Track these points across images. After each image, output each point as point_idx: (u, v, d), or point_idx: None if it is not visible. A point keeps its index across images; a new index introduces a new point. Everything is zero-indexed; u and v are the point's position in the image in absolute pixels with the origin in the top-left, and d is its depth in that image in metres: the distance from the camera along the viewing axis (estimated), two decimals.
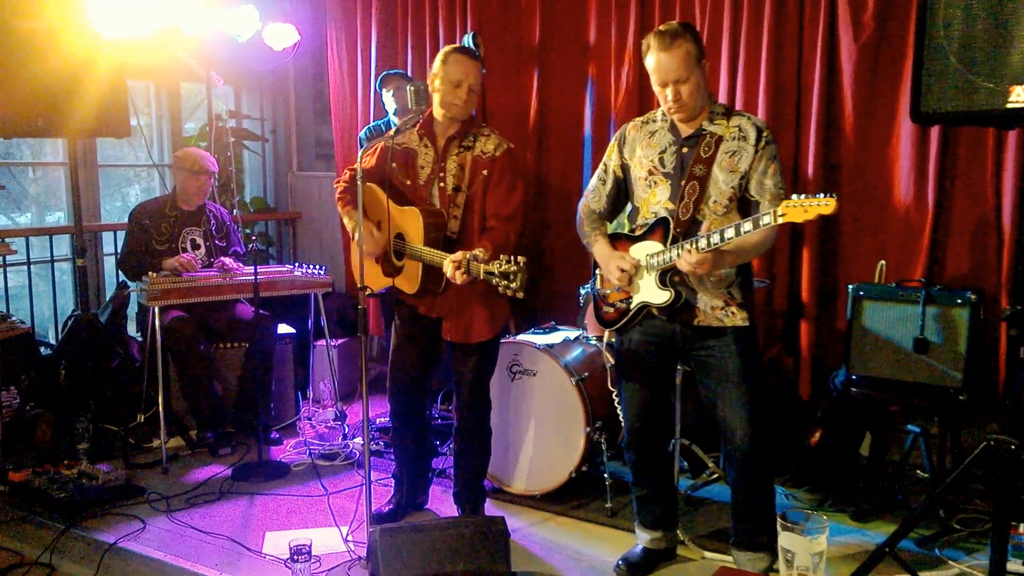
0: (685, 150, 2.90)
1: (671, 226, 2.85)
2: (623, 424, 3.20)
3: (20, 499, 3.74)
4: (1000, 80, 2.45)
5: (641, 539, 3.22)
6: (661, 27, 2.84)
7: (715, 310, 2.90)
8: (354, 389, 5.36)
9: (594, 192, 3.16)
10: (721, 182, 2.85)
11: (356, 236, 3.25)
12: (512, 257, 2.79)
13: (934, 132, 3.74)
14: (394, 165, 3.32)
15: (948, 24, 2.55)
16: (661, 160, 2.94)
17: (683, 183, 2.88)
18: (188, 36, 4.78)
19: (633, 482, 3.22)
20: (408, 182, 3.32)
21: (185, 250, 4.54)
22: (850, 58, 3.91)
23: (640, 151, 2.99)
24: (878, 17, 3.83)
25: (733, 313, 2.90)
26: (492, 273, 2.83)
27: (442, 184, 3.26)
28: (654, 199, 2.96)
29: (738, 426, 2.91)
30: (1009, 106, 2.45)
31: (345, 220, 3.44)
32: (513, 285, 2.77)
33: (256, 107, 6.23)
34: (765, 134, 2.84)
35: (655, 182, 2.95)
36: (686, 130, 2.91)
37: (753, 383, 2.91)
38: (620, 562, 3.17)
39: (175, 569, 3.23)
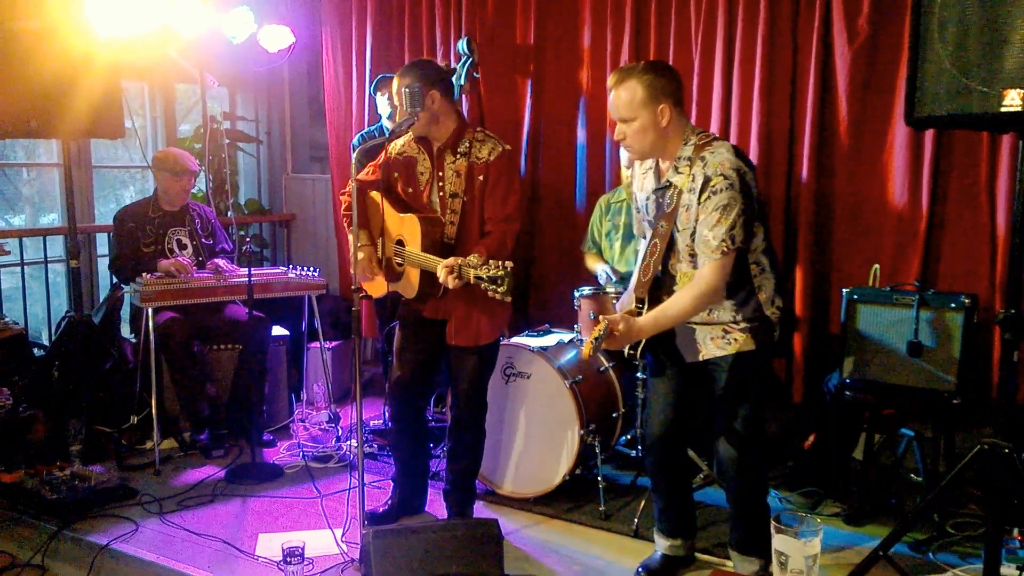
0: (659, 200, 2.85)
1: (632, 286, 2.85)
2: (646, 429, 3.17)
3: (12, 500, 3.72)
4: (994, 84, 2.45)
5: (660, 546, 3.21)
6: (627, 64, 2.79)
7: (715, 340, 2.84)
8: (348, 391, 5.34)
9: None
10: (679, 240, 2.79)
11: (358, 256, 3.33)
12: (499, 263, 2.83)
13: (928, 136, 3.75)
14: (396, 175, 3.37)
15: (942, 28, 2.55)
16: (647, 206, 2.93)
17: (651, 239, 2.84)
18: (183, 37, 4.76)
19: (652, 488, 3.20)
20: (410, 190, 3.36)
21: (172, 251, 4.53)
22: (844, 62, 3.92)
23: (638, 194, 2.99)
24: (872, 22, 3.84)
25: (735, 340, 2.82)
26: (481, 278, 2.86)
27: (441, 193, 3.29)
28: (642, 245, 2.97)
29: (724, 447, 2.91)
30: (1003, 110, 2.44)
31: (351, 237, 3.46)
32: (500, 289, 2.81)
33: (251, 109, 6.22)
34: (712, 183, 2.64)
35: (644, 228, 2.97)
36: (661, 177, 2.84)
37: (747, 409, 2.86)
38: (640, 569, 3.16)
39: (167, 571, 3.22)
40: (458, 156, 3.27)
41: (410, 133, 3.36)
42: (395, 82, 3.27)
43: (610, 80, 2.76)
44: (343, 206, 3.46)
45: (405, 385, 3.48)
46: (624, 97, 2.71)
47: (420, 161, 3.35)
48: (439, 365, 3.53)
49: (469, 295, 3.19)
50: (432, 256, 3.13)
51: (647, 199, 2.92)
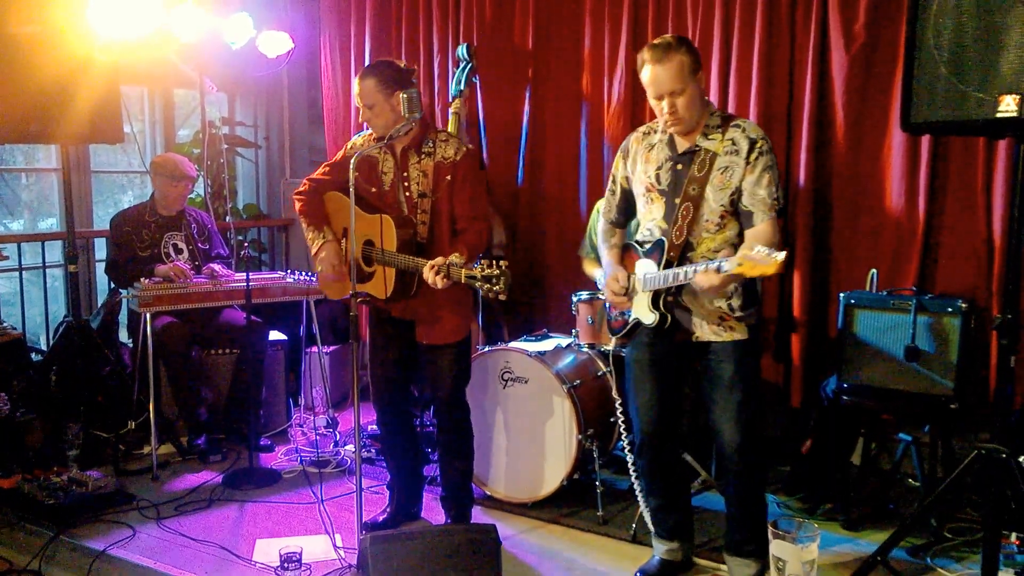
0: (680, 167, 2.89)
1: (665, 249, 2.87)
2: (635, 430, 3.17)
3: (9, 506, 3.72)
4: (990, 90, 2.47)
5: (658, 550, 3.22)
6: (655, 40, 2.84)
7: (711, 326, 2.91)
8: (346, 396, 5.35)
9: (606, 203, 3.20)
10: (712, 200, 2.84)
11: (319, 254, 3.38)
12: (494, 261, 2.84)
13: (925, 141, 3.75)
14: (356, 174, 3.35)
15: (938, 34, 2.56)
16: (657, 177, 2.95)
17: (678, 202, 2.87)
18: (182, 42, 4.77)
19: (647, 491, 3.22)
20: (373, 189, 3.37)
21: (168, 255, 4.53)
22: (841, 68, 3.92)
23: (640, 166, 3.01)
24: (869, 28, 3.84)
25: (731, 328, 2.90)
26: (474, 277, 2.87)
27: (407, 192, 3.30)
28: (649, 216, 2.98)
29: (727, 435, 2.93)
30: (999, 115, 2.46)
31: (307, 235, 3.47)
32: (496, 288, 2.82)
33: (250, 114, 6.22)
34: (759, 145, 2.80)
35: (651, 199, 2.97)
36: (682, 145, 2.90)
37: (746, 393, 2.90)
38: (638, 574, 3.17)
39: None
40: (423, 156, 3.28)
41: (369, 132, 3.38)
42: (356, 84, 3.26)
43: (650, 54, 2.79)
44: (297, 205, 3.47)
45: (387, 386, 3.50)
46: (673, 70, 2.76)
47: (382, 161, 3.35)
48: (415, 363, 3.54)
49: (436, 295, 3.19)
50: (410, 256, 3.15)
51: (658, 169, 2.94)
